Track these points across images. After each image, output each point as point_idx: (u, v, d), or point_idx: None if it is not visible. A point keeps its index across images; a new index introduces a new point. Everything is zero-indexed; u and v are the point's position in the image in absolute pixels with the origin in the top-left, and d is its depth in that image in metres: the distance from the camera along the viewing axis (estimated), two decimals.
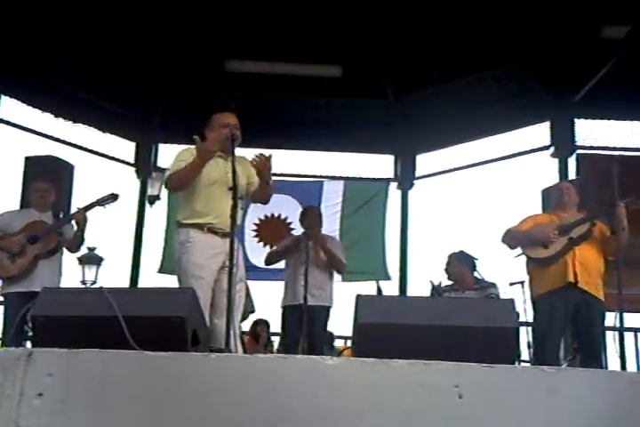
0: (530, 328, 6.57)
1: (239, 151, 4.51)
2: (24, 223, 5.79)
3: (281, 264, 6.79)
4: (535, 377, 2.78)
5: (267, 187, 4.68)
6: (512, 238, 5.42)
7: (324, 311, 6.49)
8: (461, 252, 6.48)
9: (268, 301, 7.33)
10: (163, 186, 9.80)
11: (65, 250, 5.99)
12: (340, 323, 7.03)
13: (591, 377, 2.84)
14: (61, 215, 6.11)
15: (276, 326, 7.93)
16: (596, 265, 5.23)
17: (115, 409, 2.63)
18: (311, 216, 6.71)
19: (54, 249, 5.79)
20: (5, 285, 5.72)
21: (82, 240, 5.93)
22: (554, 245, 5.21)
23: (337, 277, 6.80)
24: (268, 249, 7.53)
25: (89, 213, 5.75)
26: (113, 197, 5.72)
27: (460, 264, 6.38)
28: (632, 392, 2.75)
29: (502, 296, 6.25)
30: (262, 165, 4.51)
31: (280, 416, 2.62)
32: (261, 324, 8.40)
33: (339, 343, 8.91)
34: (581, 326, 5.19)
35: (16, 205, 7.02)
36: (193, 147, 4.67)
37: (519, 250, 5.44)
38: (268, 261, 6.82)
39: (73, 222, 5.88)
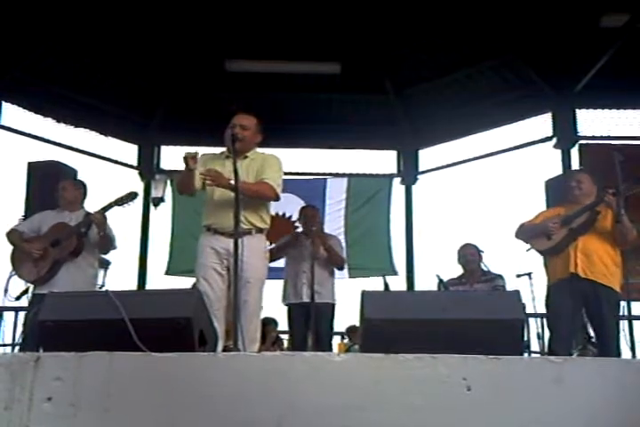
0: (539, 320, 6.62)
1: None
2: (50, 225, 5.69)
3: (281, 263, 6.79)
4: (542, 367, 2.79)
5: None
6: (521, 232, 5.48)
7: (329, 308, 6.52)
8: (474, 245, 6.54)
9: (270, 299, 7.31)
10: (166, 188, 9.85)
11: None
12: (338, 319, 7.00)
13: (597, 366, 2.84)
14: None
15: (283, 325, 7.92)
16: (604, 255, 5.17)
17: (124, 411, 2.64)
18: (310, 215, 6.74)
19: (75, 251, 5.61)
20: (34, 287, 5.65)
21: (109, 240, 5.73)
22: (556, 236, 5.25)
23: (344, 273, 6.77)
24: None
25: (108, 214, 5.58)
26: (132, 196, 5.54)
27: (477, 256, 6.44)
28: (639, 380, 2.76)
29: (508, 288, 6.28)
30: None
31: (288, 413, 2.62)
32: (269, 323, 8.39)
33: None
34: (593, 315, 5.18)
35: (19, 212, 6.98)
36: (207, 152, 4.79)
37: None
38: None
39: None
